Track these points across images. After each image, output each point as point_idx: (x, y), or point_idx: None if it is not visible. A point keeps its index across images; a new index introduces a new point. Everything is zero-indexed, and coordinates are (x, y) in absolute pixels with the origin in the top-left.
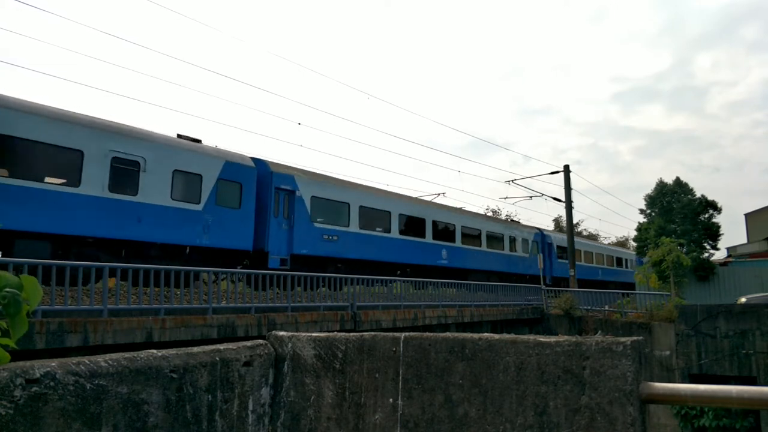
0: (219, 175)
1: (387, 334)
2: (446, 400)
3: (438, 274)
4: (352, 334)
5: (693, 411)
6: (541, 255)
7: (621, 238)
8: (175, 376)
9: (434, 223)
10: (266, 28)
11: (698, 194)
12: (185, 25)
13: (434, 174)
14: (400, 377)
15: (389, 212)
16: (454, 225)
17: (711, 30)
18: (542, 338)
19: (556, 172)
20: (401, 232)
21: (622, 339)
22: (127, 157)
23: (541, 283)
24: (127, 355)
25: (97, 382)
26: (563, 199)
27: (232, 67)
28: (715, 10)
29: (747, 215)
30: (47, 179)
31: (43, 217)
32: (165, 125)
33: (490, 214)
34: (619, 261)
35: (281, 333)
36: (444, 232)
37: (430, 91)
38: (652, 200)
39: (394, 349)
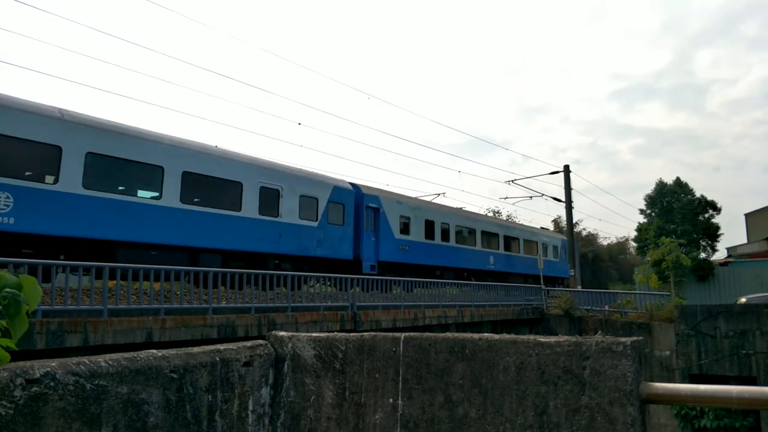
0: None
1: (387, 334)
2: (446, 401)
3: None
4: (352, 334)
5: (693, 411)
6: (363, 227)
7: (621, 238)
8: (175, 376)
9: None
10: (266, 28)
11: (698, 194)
12: (184, 25)
13: (434, 174)
14: (400, 377)
15: None
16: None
17: (711, 27)
18: (542, 338)
19: (556, 172)
20: None
21: (622, 339)
22: None
23: (363, 270)
24: (127, 355)
25: (97, 382)
26: (563, 199)
27: (231, 67)
28: (714, 7)
29: (747, 215)
30: None
31: None
32: (164, 125)
33: (490, 214)
34: (528, 245)
35: (281, 333)
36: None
37: (428, 90)
38: (651, 200)
39: (394, 349)
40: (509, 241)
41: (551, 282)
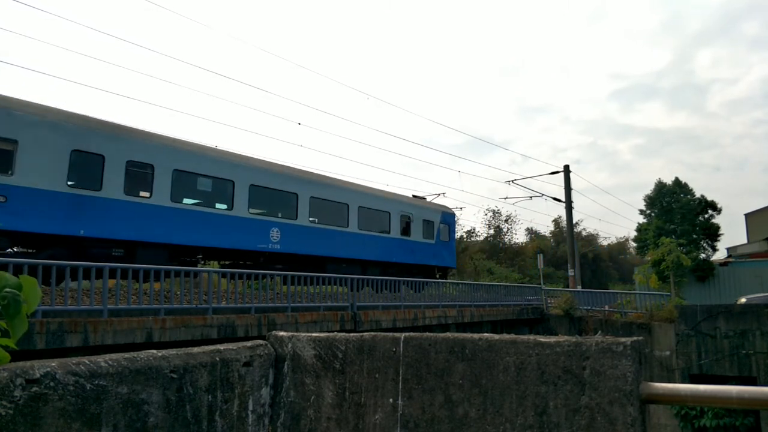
0: None
1: (387, 334)
2: (446, 401)
3: None
4: (352, 334)
5: (693, 411)
6: None
7: (621, 238)
8: (175, 376)
9: None
10: (266, 28)
11: (698, 194)
12: (184, 25)
13: (434, 174)
14: (400, 377)
15: None
16: None
17: (711, 26)
18: (542, 338)
19: (556, 172)
20: None
21: (622, 339)
22: None
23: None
24: (127, 355)
25: (97, 382)
26: (563, 199)
27: (231, 67)
28: (715, 7)
29: (747, 215)
30: None
31: None
32: (164, 125)
33: (489, 214)
34: (370, 216)
35: (281, 333)
36: None
37: (428, 90)
38: (651, 200)
39: (394, 349)
40: (325, 208)
41: (426, 272)
